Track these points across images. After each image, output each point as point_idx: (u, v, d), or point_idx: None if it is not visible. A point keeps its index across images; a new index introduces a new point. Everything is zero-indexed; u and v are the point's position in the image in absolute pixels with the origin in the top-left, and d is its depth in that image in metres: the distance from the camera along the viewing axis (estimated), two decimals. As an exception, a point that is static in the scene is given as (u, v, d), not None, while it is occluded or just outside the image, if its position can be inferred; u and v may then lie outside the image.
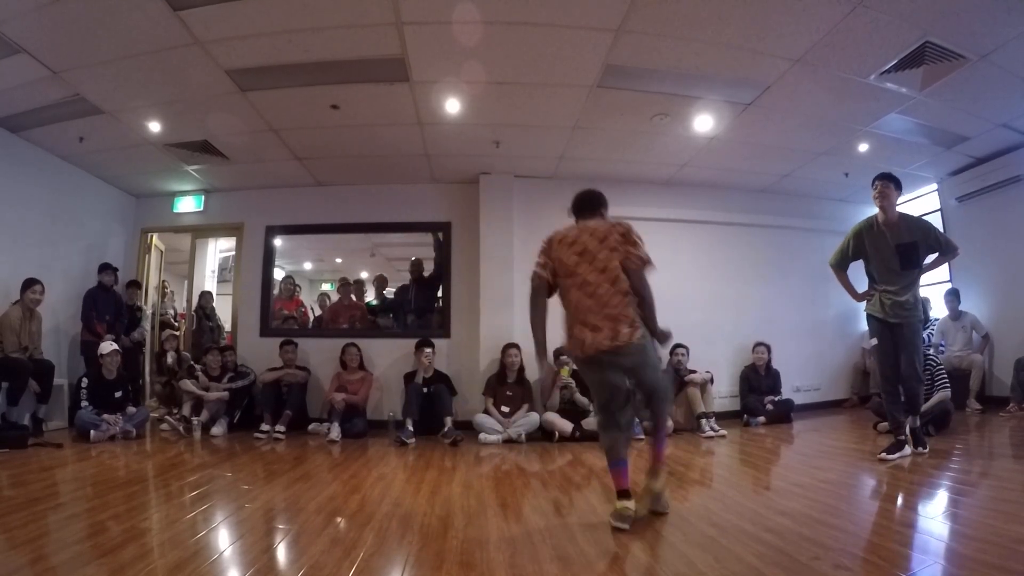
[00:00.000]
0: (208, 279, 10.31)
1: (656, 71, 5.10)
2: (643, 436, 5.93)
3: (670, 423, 3.07)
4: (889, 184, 4.41)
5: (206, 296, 9.08)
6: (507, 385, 6.49)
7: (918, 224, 4.50)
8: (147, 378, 8.00)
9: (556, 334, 3.18)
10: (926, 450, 4.39)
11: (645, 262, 3.12)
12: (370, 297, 8.64)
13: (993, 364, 7.21)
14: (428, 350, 6.66)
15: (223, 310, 9.15)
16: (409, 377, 6.65)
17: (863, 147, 6.66)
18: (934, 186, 7.76)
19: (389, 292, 8.62)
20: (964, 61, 4.85)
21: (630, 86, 5.34)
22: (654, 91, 5.45)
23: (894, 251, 4.40)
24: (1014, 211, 6.70)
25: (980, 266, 7.16)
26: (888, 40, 4.58)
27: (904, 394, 4.47)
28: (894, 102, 5.60)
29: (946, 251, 4.40)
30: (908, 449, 4.37)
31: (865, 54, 4.77)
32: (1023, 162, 6.62)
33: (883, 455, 4.33)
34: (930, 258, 4.44)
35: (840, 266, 4.80)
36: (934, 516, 3.03)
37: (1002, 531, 2.56)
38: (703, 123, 6.08)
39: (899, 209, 4.55)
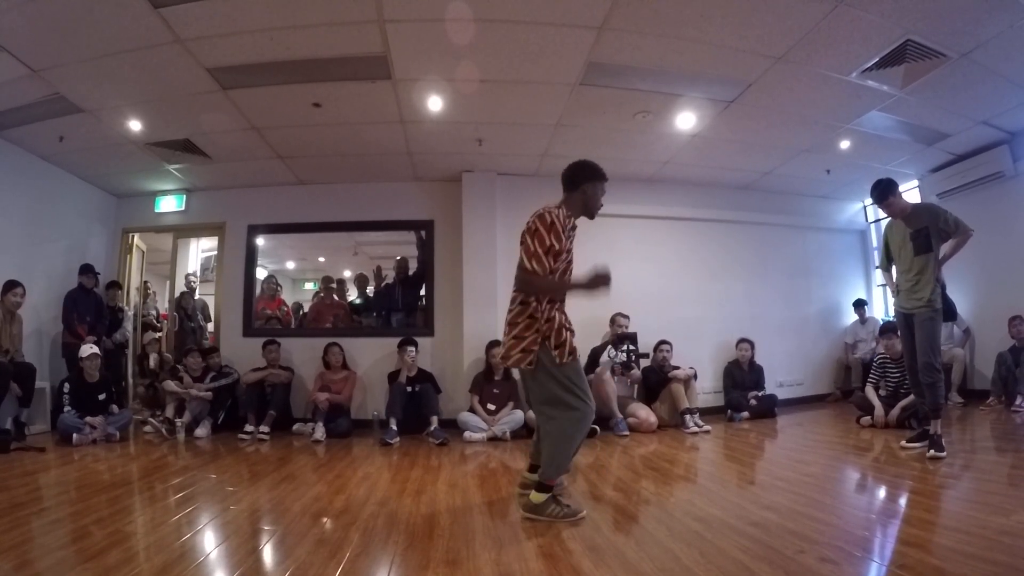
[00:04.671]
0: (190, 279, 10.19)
1: (639, 69, 5.11)
2: (627, 432, 5.98)
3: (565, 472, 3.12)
4: (887, 198, 4.51)
5: (185, 296, 9.00)
6: (493, 383, 6.48)
7: (928, 209, 4.60)
8: (130, 380, 7.92)
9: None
10: (942, 454, 4.08)
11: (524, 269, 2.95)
12: (352, 296, 8.60)
13: (974, 358, 7.33)
14: (411, 349, 6.61)
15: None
16: (393, 376, 6.60)
17: (845, 144, 6.72)
18: (915, 182, 7.82)
19: (371, 291, 8.56)
20: (945, 59, 4.90)
21: (613, 84, 5.35)
22: (637, 88, 5.46)
23: (909, 238, 4.50)
24: (994, 207, 6.77)
25: (961, 261, 7.19)
26: (870, 38, 4.62)
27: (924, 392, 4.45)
28: (876, 99, 5.65)
29: (957, 233, 4.41)
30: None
31: (847, 52, 4.81)
32: (1003, 158, 6.69)
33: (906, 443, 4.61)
34: (946, 246, 4.49)
35: (883, 267, 4.98)
36: (917, 508, 3.06)
37: (985, 522, 2.59)
38: (685, 120, 6.10)
39: (912, 200, 4.62)
